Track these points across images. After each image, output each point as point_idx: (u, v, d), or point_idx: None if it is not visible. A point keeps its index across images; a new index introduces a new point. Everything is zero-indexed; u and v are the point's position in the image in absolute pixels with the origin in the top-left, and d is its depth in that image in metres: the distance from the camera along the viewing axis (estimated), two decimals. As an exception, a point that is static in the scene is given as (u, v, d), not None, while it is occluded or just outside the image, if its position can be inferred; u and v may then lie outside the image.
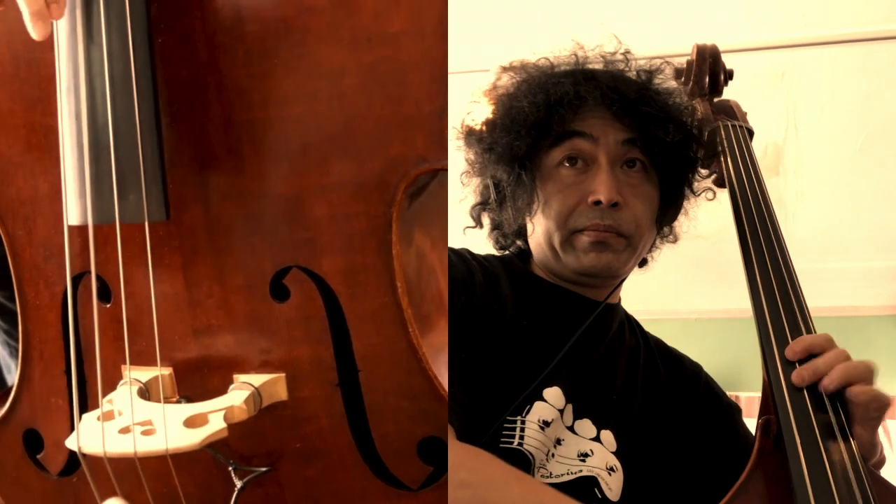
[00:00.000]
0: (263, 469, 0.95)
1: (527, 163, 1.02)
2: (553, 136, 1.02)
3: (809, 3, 2.19)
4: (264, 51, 0.85)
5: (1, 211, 0.96)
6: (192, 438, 0.84)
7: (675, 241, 1.15)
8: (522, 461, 0.90)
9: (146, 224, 0.86)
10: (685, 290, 2.89)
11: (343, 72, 0.84)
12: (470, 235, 1.14)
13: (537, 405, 0.94)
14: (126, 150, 0.84)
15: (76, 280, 0.95)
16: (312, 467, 0.96)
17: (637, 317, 1.16)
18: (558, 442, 0.94)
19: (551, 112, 1.00)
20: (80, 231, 0.90)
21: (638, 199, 1.02)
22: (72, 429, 0.98)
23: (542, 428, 0.92)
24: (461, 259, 1.03)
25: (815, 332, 0.88)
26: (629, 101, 1.01)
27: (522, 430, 0.92)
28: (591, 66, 1.06)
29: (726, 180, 1.04)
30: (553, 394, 0.95)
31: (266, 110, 0.86)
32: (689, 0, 2.24)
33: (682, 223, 1.14)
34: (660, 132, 1.02)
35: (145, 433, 0.85)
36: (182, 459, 0.89)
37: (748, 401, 3.14)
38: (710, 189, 1.13)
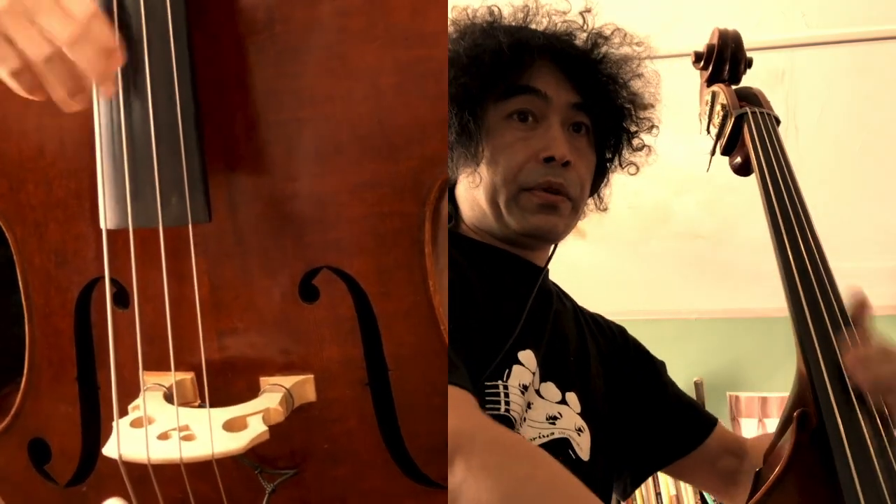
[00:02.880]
0: (292, 472, 0.94)
1: (477, 110, 0.99)
2: (503, 88, 0.99)
3: (809, 3, 2.20)
4: (297, 50, 0.84)
5: (9, 216, 0.93)
6: (236, 443, 0.83)
7: (606, 209, 1.15)
8: (508, 427, 0.90)
9: (190, 226, 0.85)
10: (685, 290, 2.90)
11: (379, 71, 0.83)
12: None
13: (515, 369, 0.93)
14: (168, 151, 0.82)
15: (90, 286, 0.93)
16: (341, 468, 0.95)
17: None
18: (528, 405, 0.94)
19: (516, 58, 0.98)
20: (95, 236, 0.88)
21: (582, 162, 1.02)
22: (84, 438, 0.97)
23: (522, 392, 0.92)
24: None
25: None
26: (581, 63, 1.01)
27: (507, 395, 0.91)
28: (543, 21, 1.04)
29: (755, 168, 1.02)
30: (527, 356, 0.95)
31: (298, 110, 0.85)
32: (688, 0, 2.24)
33: (612, 193, 1.15)
34: (607, 99, 1.02)
35: (185, 438, 0.84)
36: (202, 464, 0.87)
37: (748, 401, 3.15)
38: (633, 164, 1.12)
